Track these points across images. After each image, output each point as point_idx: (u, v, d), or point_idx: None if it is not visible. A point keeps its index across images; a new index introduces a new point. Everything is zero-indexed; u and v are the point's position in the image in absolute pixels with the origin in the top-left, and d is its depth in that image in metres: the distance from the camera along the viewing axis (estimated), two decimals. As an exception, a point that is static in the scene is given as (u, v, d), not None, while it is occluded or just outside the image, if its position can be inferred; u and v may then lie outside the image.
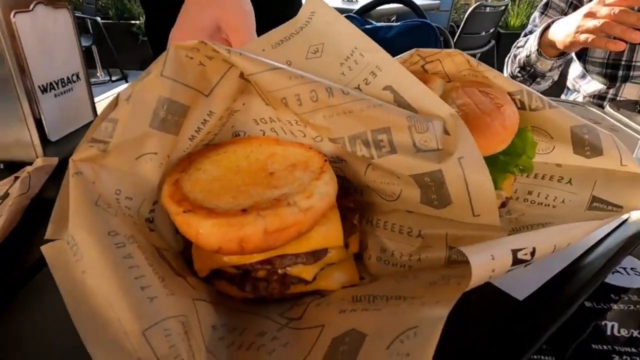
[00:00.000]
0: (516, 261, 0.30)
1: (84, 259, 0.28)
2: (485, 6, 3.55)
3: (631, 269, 0.44)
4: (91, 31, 4.06)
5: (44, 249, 0.29)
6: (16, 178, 0.55)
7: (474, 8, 3.48)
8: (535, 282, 0.39)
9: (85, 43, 3.88)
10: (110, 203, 0.33)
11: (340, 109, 0.35)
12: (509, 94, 0.47)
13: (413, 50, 0.48)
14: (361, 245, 0.42)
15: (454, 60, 0.48)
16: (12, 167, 0.59)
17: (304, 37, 0.42)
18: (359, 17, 1.67)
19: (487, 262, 0.28)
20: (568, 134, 0.45)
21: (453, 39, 2.91)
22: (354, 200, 0.41)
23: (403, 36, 1.47)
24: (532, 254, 0.31)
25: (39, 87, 0.57)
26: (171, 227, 0.40)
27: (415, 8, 1.66)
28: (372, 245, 0.41)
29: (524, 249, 0.30)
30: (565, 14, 1.14)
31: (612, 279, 0.42)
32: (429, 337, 0.24)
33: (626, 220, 0.48)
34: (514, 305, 0.37)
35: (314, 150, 0.40)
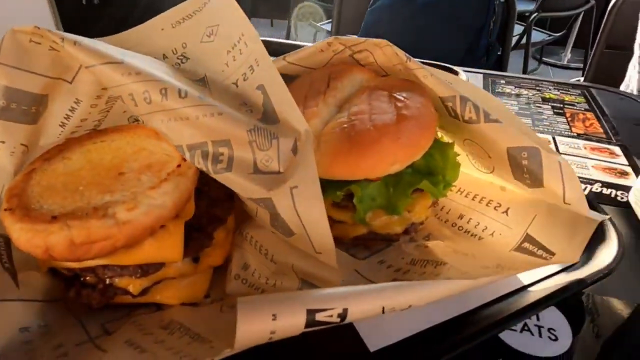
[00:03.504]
0: (314, 323, 0.25)
1: None
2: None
3: (549, 329, 0.36)
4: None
5: None
6: None
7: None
8: (400, 332, 0.33)
9: None
10: None
11: (175, 114, 0.31)
12: (441, 99, 0.38)
13: (331, 38, 0.41)
14: (230, 257, 0.38)
15: (384, 52, 0.41)
16: None
17: (205, 16, 0.37)
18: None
19: (262, 322, 0.24)
20: (505, 156, 0.37)
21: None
22: (225, 209, 0.37)
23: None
24: (343, 316, 0.26)
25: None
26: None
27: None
28: (236, 260, 0.37)
29: (328, 309, 0.25)
30: None
31: (516, 340, 0.35)
32: None
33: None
34: (362, 357, 0.32)
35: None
